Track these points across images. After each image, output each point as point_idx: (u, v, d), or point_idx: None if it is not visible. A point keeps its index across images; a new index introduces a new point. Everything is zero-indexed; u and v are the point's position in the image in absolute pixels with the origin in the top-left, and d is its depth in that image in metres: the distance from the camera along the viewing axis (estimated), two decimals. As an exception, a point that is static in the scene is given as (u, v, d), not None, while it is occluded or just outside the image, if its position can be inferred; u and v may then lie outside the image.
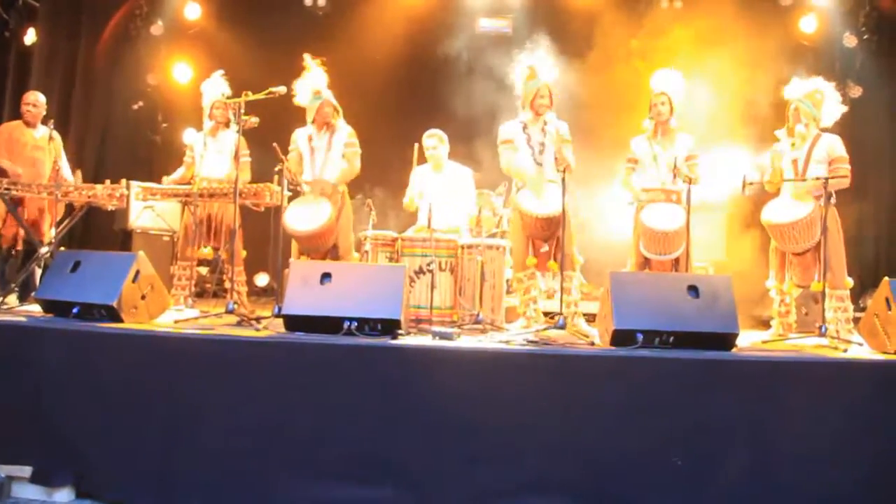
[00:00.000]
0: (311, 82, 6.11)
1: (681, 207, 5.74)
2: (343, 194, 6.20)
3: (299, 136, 6.22)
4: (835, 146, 5.72)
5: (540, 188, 5.80)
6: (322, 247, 5.99)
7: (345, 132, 6.19)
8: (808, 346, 4.99)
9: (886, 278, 4.60)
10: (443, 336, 4.42)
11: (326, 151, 6.11)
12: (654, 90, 6.09)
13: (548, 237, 5.88)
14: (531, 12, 9.49)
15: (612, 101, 7.80)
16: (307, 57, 6.18)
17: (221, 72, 6.78)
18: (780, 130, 5.97)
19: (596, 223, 7.99)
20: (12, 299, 5.80)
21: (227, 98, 6.49)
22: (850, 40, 8.67)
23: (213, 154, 6.57)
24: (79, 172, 6.62)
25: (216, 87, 6.70)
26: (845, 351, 4.68)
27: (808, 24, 8.81)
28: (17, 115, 6.99)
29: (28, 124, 6.72)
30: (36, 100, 6.76)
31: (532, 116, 5.99)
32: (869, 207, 7.90)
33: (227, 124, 6.66)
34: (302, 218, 5.79)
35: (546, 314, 6.21)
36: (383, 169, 7.22)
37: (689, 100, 6.31)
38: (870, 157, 7.95)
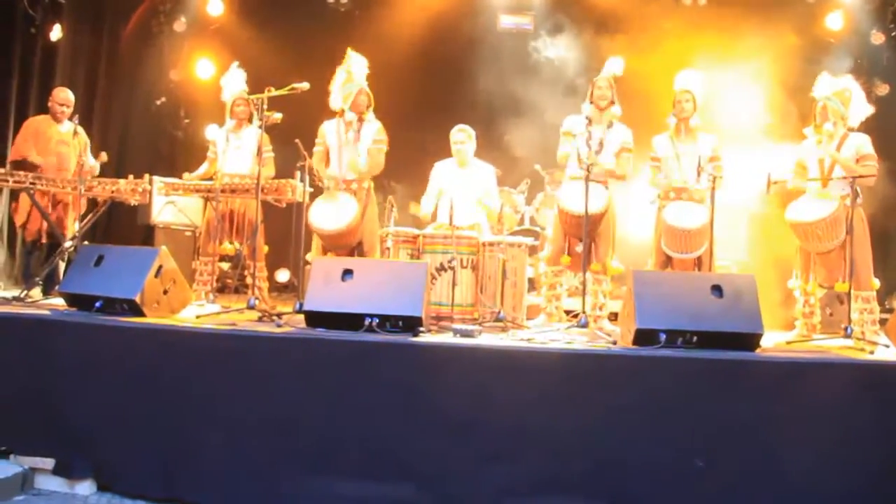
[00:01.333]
0: (348, 74, 6.14)
1: (703, 206, 5.70)
2: (369, 191, 6.21)
3: (328, 130, 6.25)
4: (863, 145, 5.65)
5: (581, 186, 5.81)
6: (347, 245, 6.01)
7: (374, 127, 6.22)
8: (834, 347, 4.93)
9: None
10: (464, 333, 4.41)
11: (354, 144, 6.12)
12: (678, 88, 6.06)
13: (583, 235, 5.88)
14: (552, 8, 9.44)
15: (632, 99, 7.74)
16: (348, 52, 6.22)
17: (237, 63, 6.79)
18: (808, 128, 5.91)
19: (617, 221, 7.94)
20: (36, 293, 5.84)
21: (249, 94, 6.50)
22: (877, 37, 8.56)
23: (235, 150, 6.57)
24: (103, 154, 6.66)
25: (235, 80, 6.70)
26: (871, 352, 4.63)
27: (834, 21, 8.70)
28: (43, 109, 7.05)
29: (55, 119, 6.77)
30: (66, 99, 6.82)
31: (596, 112, 5.98)
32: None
33: (249, 120, 6.66)
34: (327, 216, 5.81)
35: (567, 312, 6.18)
36: (404, 165, 7.20)
37: (712, 98, 6.26)
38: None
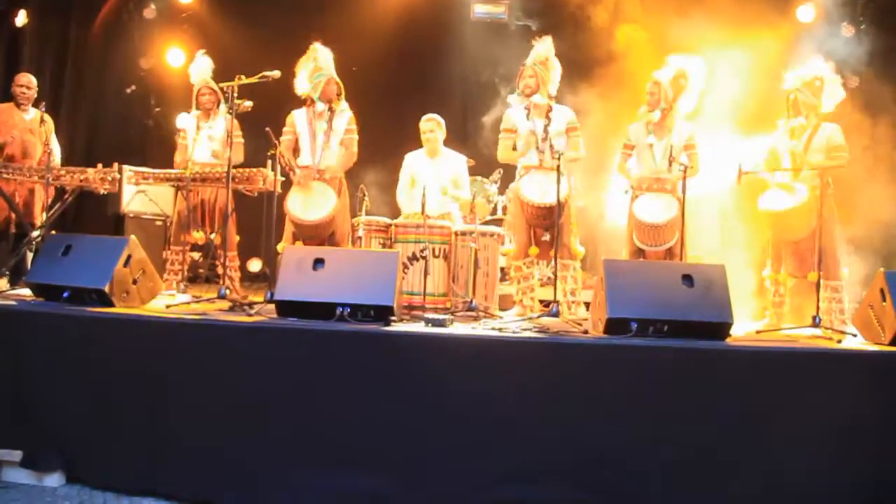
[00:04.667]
0: (315, 62, 6.08)
1: (674, 198, 5.73)
2: (341, 180, 6.18)
3: (298, 119, 6.17)
4: (833, 135, 5.71)
5: (541, 176, 5.80)
6: (323, 235, 5.97)
7: (346, 117, 6.16)
8: (803, 336, 4.98)
9: (881, 269, 4.59)
10: (436, 323, 4.40)
11: (327, 134, 6.08)
12: (651, 78, 6.08)
13: (548, 226, 5.87)
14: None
15: (608, 88, 7.76)
16: (314, 44, 6.16)
17: (202, 51, 6.74)
18: (780, 119, 5.96)
19: (594, 211, 7.96)
20: (3, 283, 5.77)
21: (220, 82, 6.43)
22: (847, 30, 8.64)
23: (206, 139, 6.52)
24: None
25: (201, 68, 6.65)
26: (839, 342, 4.68)
27: (805, 14, 8.76)
28: (7, 97, 6.93)
29: (20, 106, 6.67)
30: (29, 81, 6.71)
31: (528, 102, 5.96)
32: (865, 198, 7.88)
33: (216, 107, 6.61)
34: (307, 207, 5.77)
35: (541, 302, 6.20)
36: (377, 154, 7.17)
37: (684, 88, 6.28)
38: (867, 147, 7.93)
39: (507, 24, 9.47)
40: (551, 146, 5.88)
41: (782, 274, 5.91)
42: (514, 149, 6.00)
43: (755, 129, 6.77)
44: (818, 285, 5.22)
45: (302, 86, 6.13)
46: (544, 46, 6.08)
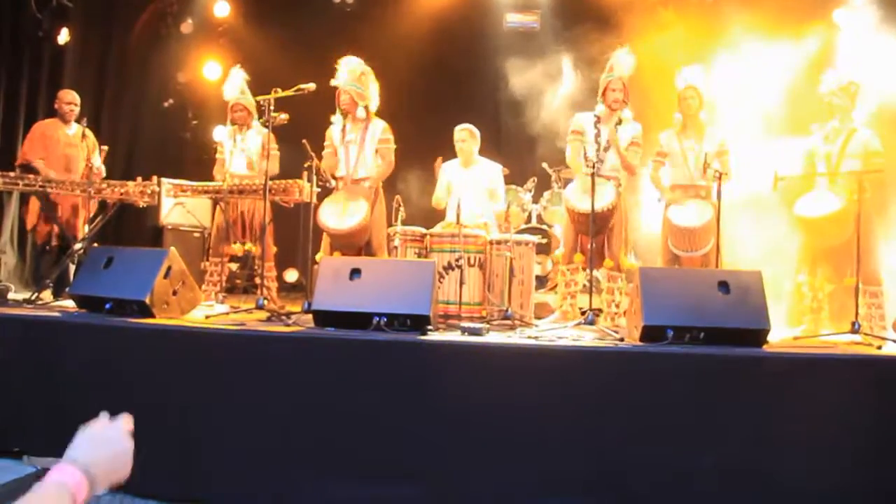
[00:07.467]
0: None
1: (709, 203, 5.71)
2: (377, 190, 6.24)
3: (334, 132, 6.27)
4: (870, 140, 5.65)
5: (588, 183, 5.83)
6: (357, 244, 6.04)
7: (379, 127, 6.23)
8: (842, 342, 4.91)
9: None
10: (472, 332, 4.42)
11: (360, 145, 6.14)
12: (683, 84, 6.06)
13: (594, 233, 5.88)
14: (559, 5, 9.44)
15: (642, 95, 7.74)
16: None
17: (237, 66, 6.84)
18: (815, 124, 5.90)
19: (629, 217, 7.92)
20: (47, 295, 5.88)
21: (256, 95, 6.53)
22: (885, 32, 8.51)
23: (239, 152, 6.64)
24: (104, 149, 6.73)
25: (235, 85, 6.76)
26: (879, 348, 4.62)
27: (842, 16, 8.66)
28: (50, 112, 7.09)
29: (63, 121, 6.82)
30: (74, 98, 6.88)
31: (606, 111, 5.99)
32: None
33: (249, 124, 6.71)
34: (338, 216, 5.85)
35: (581, 310, 6.20)
36: (412, 164, 7.20)
37: (719, 93, 6.26)
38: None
39: (540, 32, 9.47)
40: (621, 159, 5.93)
41: (819, 279, 5.85)
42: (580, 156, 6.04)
43: (791, 133, 6.70)
44: (856, 291, 5.16)
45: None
46: (628, 63, 6.11)
